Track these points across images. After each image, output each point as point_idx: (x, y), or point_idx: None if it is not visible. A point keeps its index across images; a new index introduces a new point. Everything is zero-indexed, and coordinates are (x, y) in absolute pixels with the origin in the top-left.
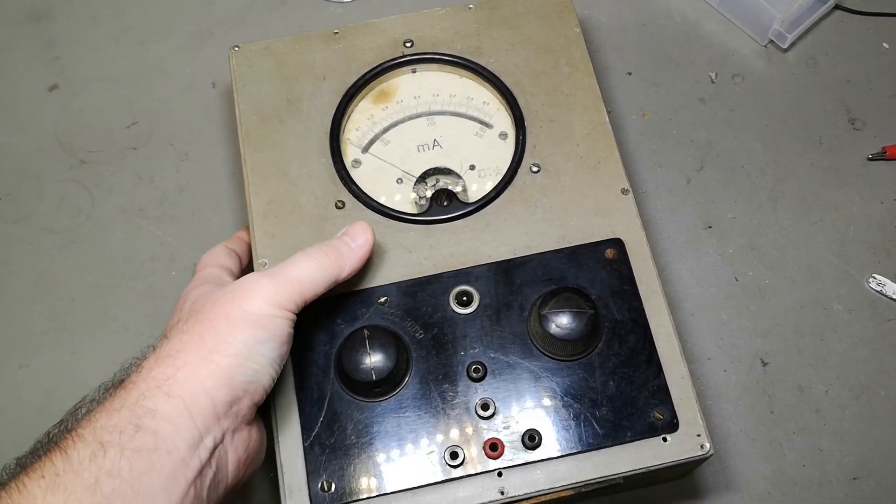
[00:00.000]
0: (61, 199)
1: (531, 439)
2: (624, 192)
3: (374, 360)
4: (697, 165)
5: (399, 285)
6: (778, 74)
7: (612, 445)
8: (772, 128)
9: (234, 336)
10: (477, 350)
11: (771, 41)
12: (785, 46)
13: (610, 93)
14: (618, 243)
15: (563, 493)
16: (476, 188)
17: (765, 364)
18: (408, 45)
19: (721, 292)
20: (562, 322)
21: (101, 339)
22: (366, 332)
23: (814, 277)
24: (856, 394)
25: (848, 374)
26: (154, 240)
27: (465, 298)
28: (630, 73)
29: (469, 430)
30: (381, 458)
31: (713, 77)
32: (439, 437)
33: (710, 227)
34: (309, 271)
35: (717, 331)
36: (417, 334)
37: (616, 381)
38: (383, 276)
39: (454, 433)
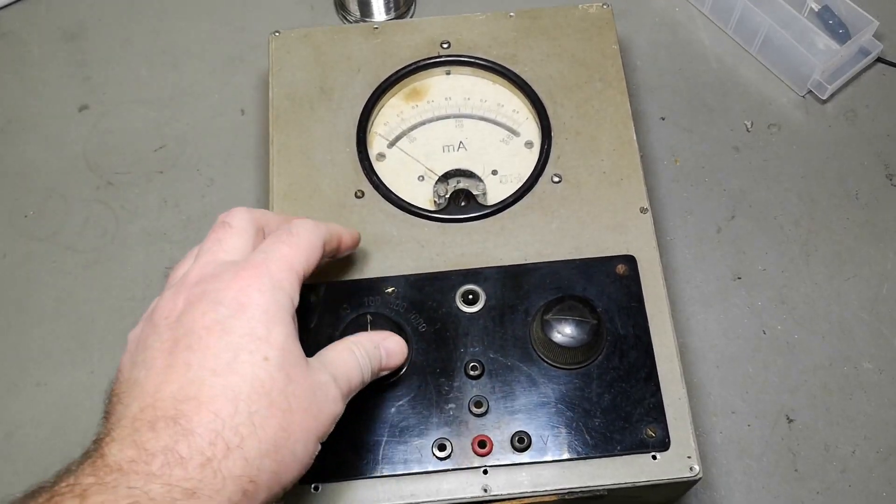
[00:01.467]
0: (86, 220)
1: (520, 441)
2: (643, 210)
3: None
4: (729, 214)
5: (408, 278)
6: (815, 126)
7: (600, 457)
8: (807, 180)
9: None
10: (477, 349)
11: (810, 91)
12: (824, 98)
13: (642, 137)
14: (630, 260)
15: (546, 499)
16: (495, 193)
17: (790, 420)
18: (444, 46)
19: (748, 345)
20: (564, 329)
21: (119, 360)
22: (369, 317)
23: (844, 334)
24: (883, 456)
25: (876, 435)
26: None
27: (471, 297)
28: (664, 118)
29: (460, 425)
30: (370, 442)
31: (748, 126)
32: (430, 429)
33: (739, 278)
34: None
35: (742, 384)
36: (420, 327)
37: (612, 393)
38: (394, 266)
39: (445, 426)
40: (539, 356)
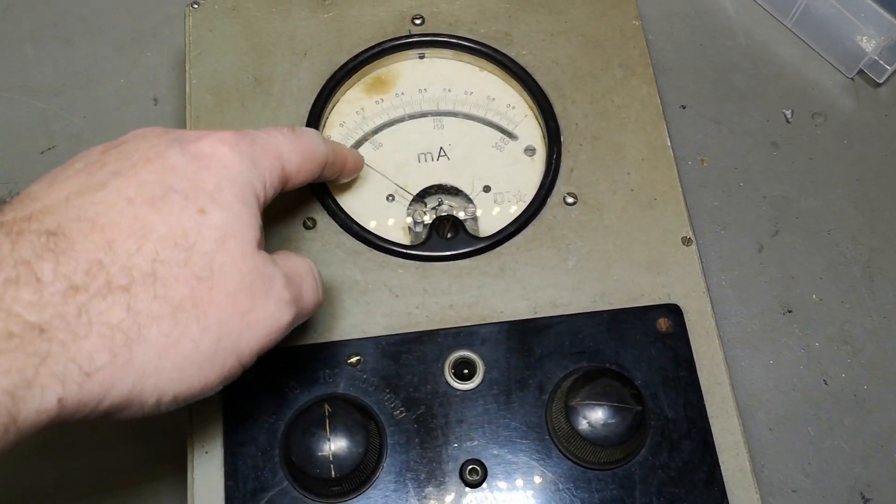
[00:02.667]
0: None
1: None
2: (686, 241)
3: (334, 446)
4: (772, 229)
5: (378, 341)
6: (870, 115)
7: None
8: (864, 184)
9: None
10: (476, 443)
11: (861, 72)
12: (880, 81)
13: None
14: (674, 311)
15: None
16: (490, 218)
17: (866, 500)
18: (417, 21)
19: (807, 400)
20: (597, 419)
21: None
22: (326, 407)
23: None
24: None
25: None
26: None
27: (465, 369)
28: (684, 107)
29: None
30: None
31: (788, 115)
32: None
33: (789, 312)
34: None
35: (803, 452)
36: (397, 412)
37: (662, 502)
38: (357, 326)
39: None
40: (561, 452)
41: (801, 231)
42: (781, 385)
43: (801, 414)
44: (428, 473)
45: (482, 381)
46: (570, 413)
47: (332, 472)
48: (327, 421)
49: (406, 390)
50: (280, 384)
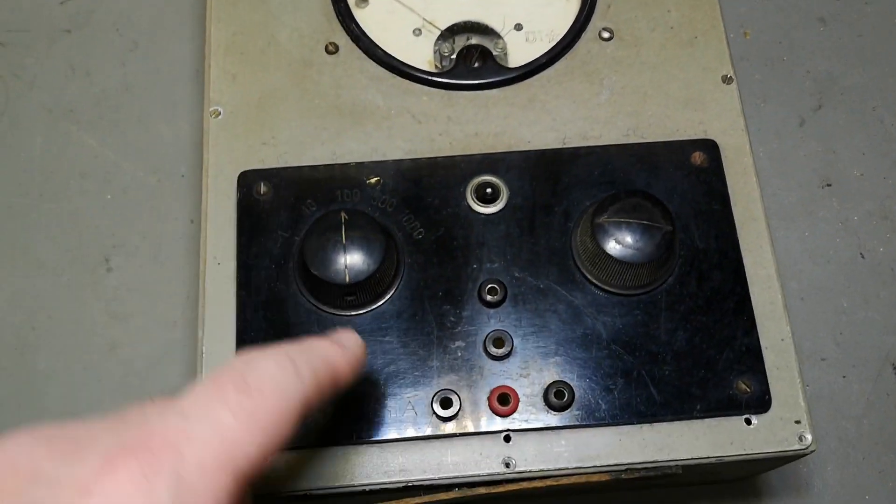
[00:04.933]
0: None
1: (558, 396)
2: (726, 80)
3: (350, 256)
4: (814, 103)
5: (399, 164)
6: None
7: (673, 419)
8: None
9: None
10: (497, 265)
11: None
12: None
13: None
14: (710, 147)
15: (595, 478)
16: (520, 54)
17: None
18: None
19: (842, 272)
20: (626, 238)
21: (9, 275)
22: (343, 216)
23: None
24: None
25: None
26: (86, 151)
27: (488, 192)
28: None
29: (472, 372)
30: (345, 397)
31: None
32: (429, 377)
33: (828, 185)
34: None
35: (835, 323)
36: (416, 233)
37: (689, 330)
38: (378, 149)
39: (450, 374)
40: (585, 276)
41: (845, 107)
42: (816, 257)
43: (835, 285)
44: (445, 292)
45: (505, 205)
46: (596, 231)
47: (347, 279)
48: (343, 228)
49: (426, 212)
50: (297, 203)
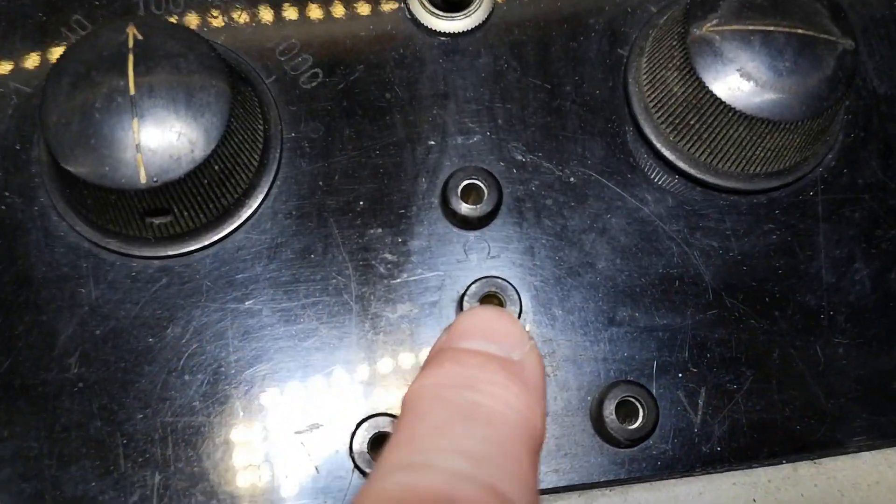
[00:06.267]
0: None
1: (626, 418)
2: None
3: (147, 128)
4: None
5: None
6: None
7: (860, 449)
8: None
9: None
10: (476, 138)
11: None
12: None
13: None
14: None
15: None
16: None
17: None
18: None
19: None
20: (758, 66)
21: None
22: (133, 33)
23: None
24: None
25: None
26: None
27: None
28: None
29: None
30: (171, 428)
31: None
32: (344, 393)
33: None
34: None
35: None
36: (305, 75)
37: (875, 261)
38: None
39: (388, 388)
40: (662, 156)
41: None
42: None
43: None
44: (371, 202)
45: (488, 16)
46: (694, 56)
47: (142, 176)
48: (131, 62)
49: (325, 31)
50: (46, 18)
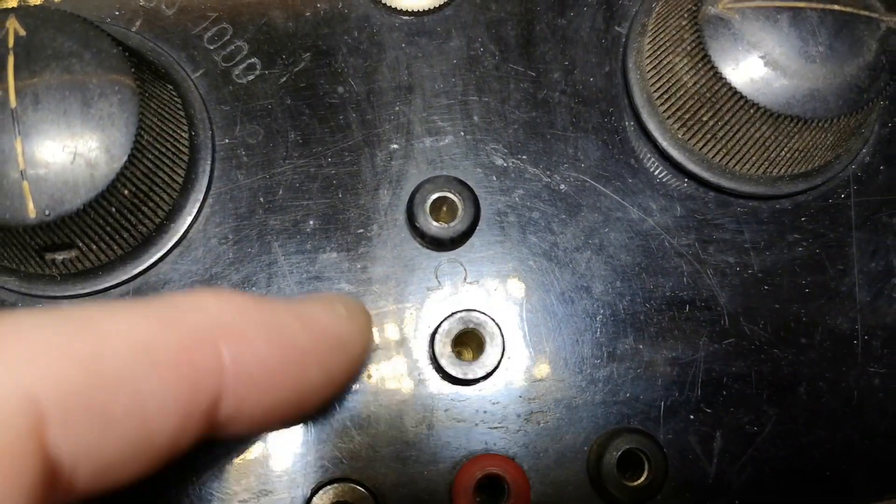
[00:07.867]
0: None
1: (630, 473)
2: None
3: (35, 146)
4: None
5: None
6: None
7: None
8: None
9: None
10: (446, 140)
11: None
12: None
13: None
14: None
15: None
16: None
17: None
18: None
19: None
20: (785, 49)
21: None
22: (13, 27)
23: None
24: None
25: None
26: None
27: None
28: None
29: (404, 418)
30: None
31: None
32: (294, 452)
33: None
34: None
35: None
36: (239, 67)
37: None
38: None
39: (350, 433)
40: (668, 156)
41: None
42: None
43: None
44: (325, 219)
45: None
46: (707, 37)
47: (31, 208)
48: (11, 64)
49: (261, 12)
50: None
